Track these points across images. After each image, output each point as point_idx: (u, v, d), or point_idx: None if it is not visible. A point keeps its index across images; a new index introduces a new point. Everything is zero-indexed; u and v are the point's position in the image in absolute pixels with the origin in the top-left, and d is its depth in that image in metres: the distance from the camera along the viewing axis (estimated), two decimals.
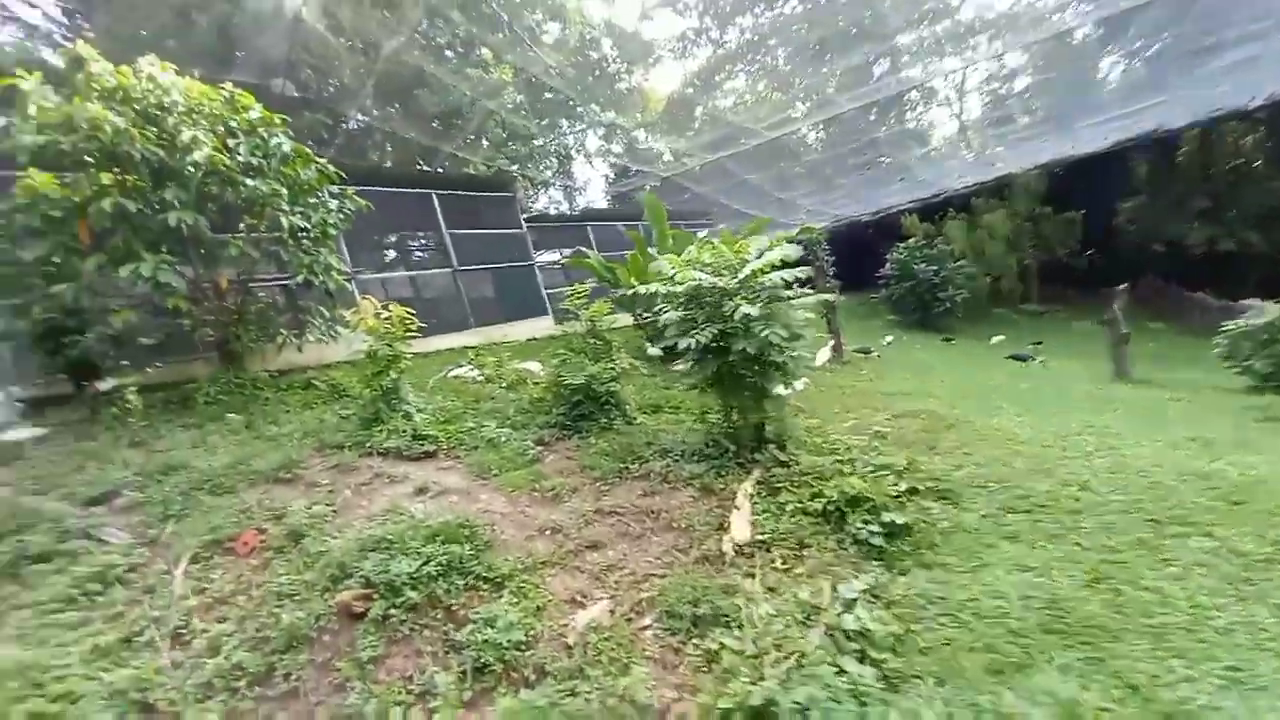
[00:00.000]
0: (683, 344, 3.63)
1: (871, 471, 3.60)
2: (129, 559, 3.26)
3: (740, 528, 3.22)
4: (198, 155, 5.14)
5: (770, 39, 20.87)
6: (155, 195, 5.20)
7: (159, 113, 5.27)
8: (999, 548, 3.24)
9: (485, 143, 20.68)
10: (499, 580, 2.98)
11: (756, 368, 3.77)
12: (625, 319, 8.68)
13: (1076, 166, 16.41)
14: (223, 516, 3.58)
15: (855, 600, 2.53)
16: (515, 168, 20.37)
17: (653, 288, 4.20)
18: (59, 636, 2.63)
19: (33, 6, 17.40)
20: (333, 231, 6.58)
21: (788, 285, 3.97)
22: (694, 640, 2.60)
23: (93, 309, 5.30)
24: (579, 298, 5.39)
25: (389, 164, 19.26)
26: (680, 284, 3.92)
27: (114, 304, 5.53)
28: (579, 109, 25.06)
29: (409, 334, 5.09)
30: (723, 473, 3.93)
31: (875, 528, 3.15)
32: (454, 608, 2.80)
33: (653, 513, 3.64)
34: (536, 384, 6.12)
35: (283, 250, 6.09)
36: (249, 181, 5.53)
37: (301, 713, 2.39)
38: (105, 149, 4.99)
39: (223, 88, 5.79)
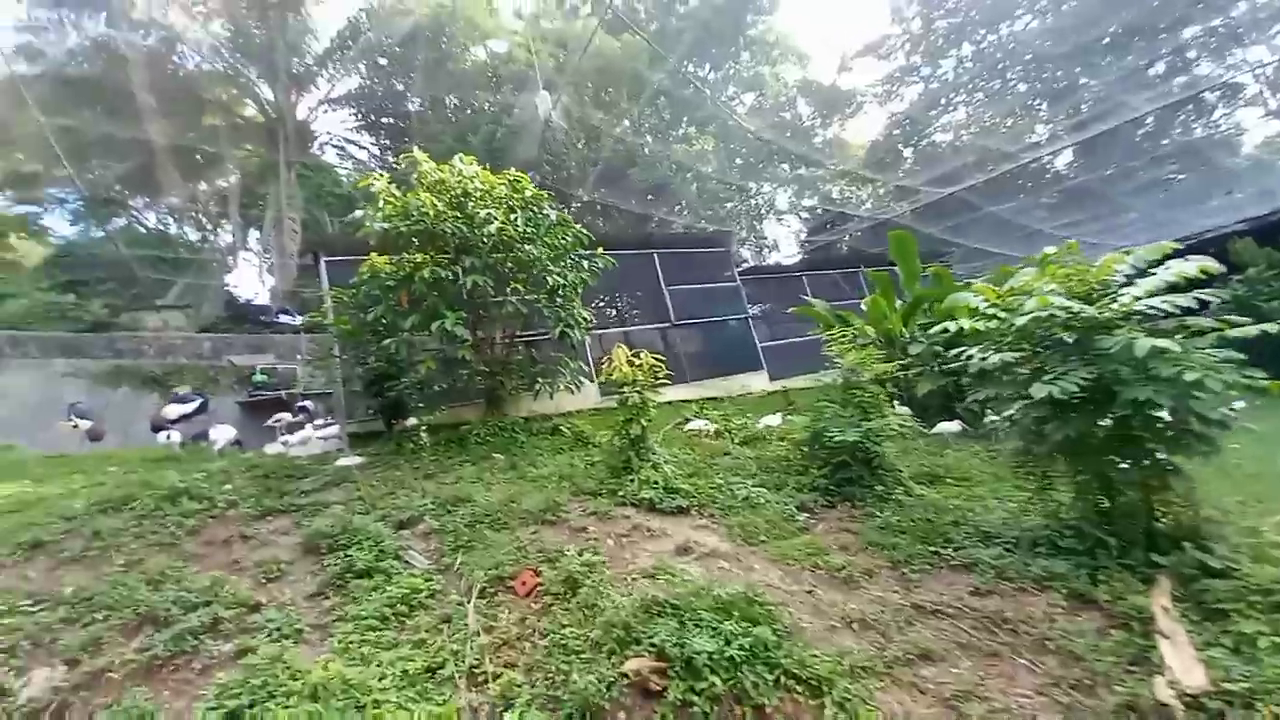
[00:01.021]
0: (1038, 393, 2.71)
1: None
2: (429, 584, 3.44)
3: (1187, 669, 2.11)
4: (491, 228, 6.03)
5: (1001, 62, 18.52)
6: (455, 266, 6.18)
7: (463, 198, 6.36)
8: None
9: (685, 208, 21.98)
10: (815, 684, 2.35)
11: (1158, 429, 2.65)
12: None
13: None
14: (503, 553, 3.65)
15: None
16: (712, 230, 21.12)
17: (961, 323, 3.39)
18: (376, 656, 2.72)
19: (361, 148, 25.35)
20: (582, 289, 7.14)
21: (1185, 313, 2.82)
22: None
23: (407, 360, 6.39)
24: (843, 343, 4.75)
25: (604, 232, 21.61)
26: (1014, 314, 3.05)
27: (419, 356, 6.61)
28: (769, 170, 25.41)
29: (657, 382, 5.00)
30: (1101, 576, 2.78)
31: None
32: (766, 710, 2.26)
33: (1002, 621, 2.68)
34: (781, 440, 5.54)
35: (544, 307, 6.74)
36: (526, 247, 6.29)
37: None
38: (427, 229, 6.13)
39: (506, 173, 6.83)
